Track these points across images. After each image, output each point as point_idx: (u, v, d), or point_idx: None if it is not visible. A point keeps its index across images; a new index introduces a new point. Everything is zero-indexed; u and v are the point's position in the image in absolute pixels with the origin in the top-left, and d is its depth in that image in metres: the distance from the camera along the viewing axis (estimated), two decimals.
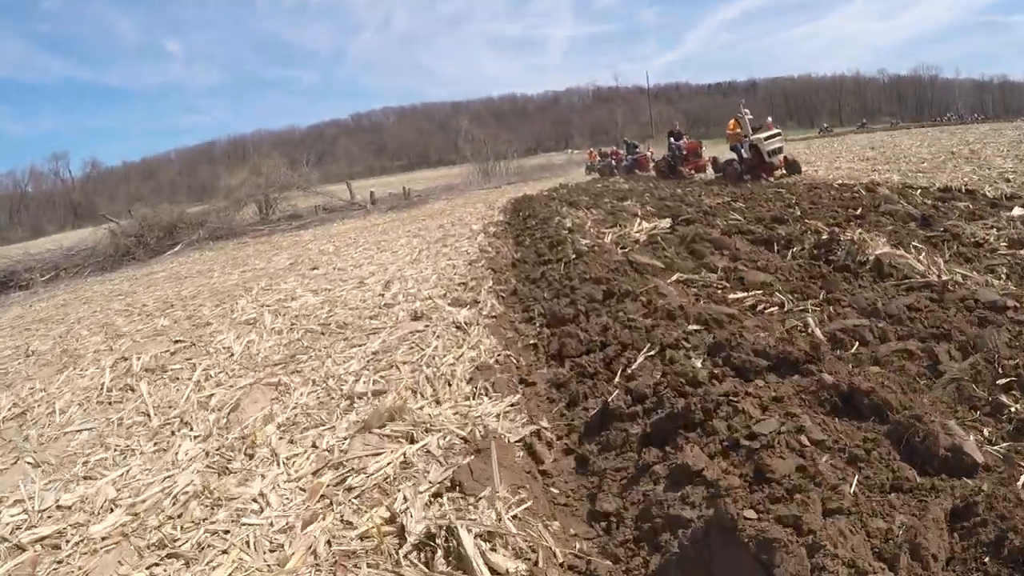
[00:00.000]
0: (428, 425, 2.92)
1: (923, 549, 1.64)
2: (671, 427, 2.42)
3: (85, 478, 3.19)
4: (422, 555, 2.01)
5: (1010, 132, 19.55)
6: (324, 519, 2.30)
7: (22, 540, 2.57)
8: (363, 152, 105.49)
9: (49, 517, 2.82)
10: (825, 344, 2.97)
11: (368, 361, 4.16)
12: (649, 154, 23.00)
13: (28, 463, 3.47)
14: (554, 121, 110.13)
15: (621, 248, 6.50)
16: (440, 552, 1.97)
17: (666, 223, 7.61)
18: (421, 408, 3.14)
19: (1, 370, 5.82)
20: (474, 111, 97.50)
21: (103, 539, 2.54)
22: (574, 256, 6.25)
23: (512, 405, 3.10)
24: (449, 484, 2.33)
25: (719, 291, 4.45)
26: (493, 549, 1.97)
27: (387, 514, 2.22)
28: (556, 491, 2.50)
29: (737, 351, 2.90)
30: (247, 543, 2.25)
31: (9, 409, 4.44)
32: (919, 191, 8.25)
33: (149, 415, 3.91)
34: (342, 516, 2.31)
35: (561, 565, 1.99)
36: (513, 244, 9.07)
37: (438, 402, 3.23)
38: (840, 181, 10.72)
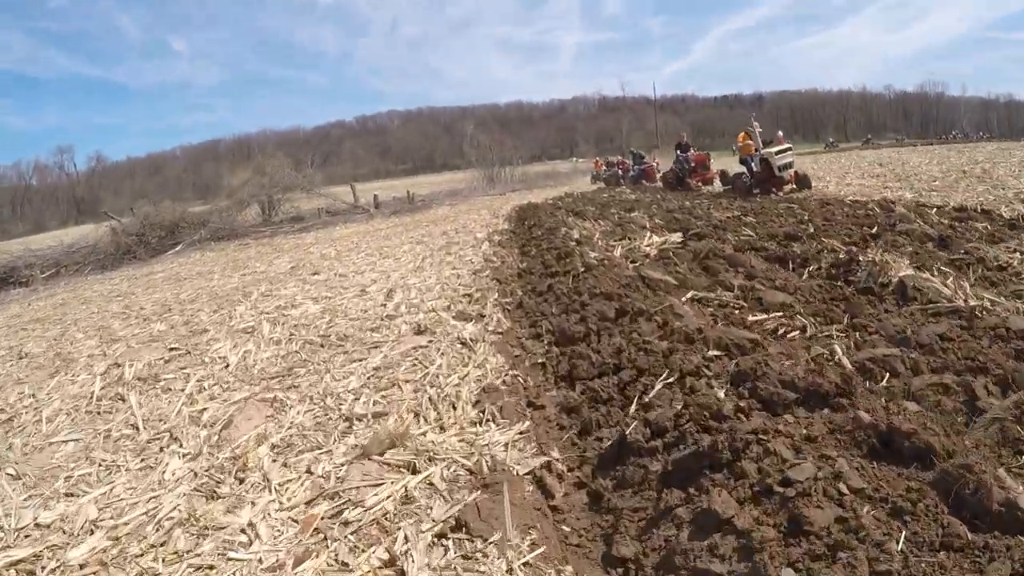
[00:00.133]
0: (432, 453, 2.74)
1: None
2: (695, 467, 2.24)
3: (67, 495, 3.03)
4: None
5: (1020, 152, 19.38)
6: (317, 557, 2.12)
7: None
8: (368, 155, 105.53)
9: (27, 536, 2.66)
10: (856, 376, 2.79)
11: (369, 378, 3.98)
12: (655, 164, 22.90)
13: (9, 474, 3.31)
14: (559, 129, 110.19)
15: (631, 262, 6.33)
16: None
17: (677, 237, 7.44)
18: (424, 434, 2.96)
19: None
20: (480, 117, 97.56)
21: (80, 567, 2.38)
22: (583, 269, 6.07)
23: (521, 433, 2.92)
24: (454, 523, 2.15)
25: (736, 312, 4.27)
26: None
27: (386, 555, 2.04)
28: (567, 529, 2.32)
29: (763, 382, 2.72)
30: None
31: None
32: (934, 210, 8.09)
33: (138, 428, 3.74)
34: (337, 555, 2.13)
35: None
36: (518, 254, 8.91)
37: (442, 428, 3.05)
38: (852, 198, 10.57)
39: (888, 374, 2.95)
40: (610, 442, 2.76)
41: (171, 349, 5.45)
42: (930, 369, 2.97)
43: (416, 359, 4.21)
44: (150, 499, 2.81)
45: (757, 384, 2.72)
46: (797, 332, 3.70)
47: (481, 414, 3.17)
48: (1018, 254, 5.17)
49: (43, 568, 2.39)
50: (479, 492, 2.31)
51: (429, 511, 2.30)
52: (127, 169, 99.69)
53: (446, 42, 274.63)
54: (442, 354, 4.22)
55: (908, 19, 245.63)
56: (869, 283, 4.48)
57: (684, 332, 3.64)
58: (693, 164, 17.56)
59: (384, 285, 7.18)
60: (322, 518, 2.35)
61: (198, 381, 4.40)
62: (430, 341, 4.56)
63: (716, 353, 3.31)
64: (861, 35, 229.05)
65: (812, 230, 7.05)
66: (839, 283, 4.68)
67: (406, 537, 2.12)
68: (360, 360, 4.37)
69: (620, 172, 25.25)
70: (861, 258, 5.03)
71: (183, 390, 4.24)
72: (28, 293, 12.49)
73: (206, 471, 3.00)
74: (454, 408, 3.27)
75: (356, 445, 2.96)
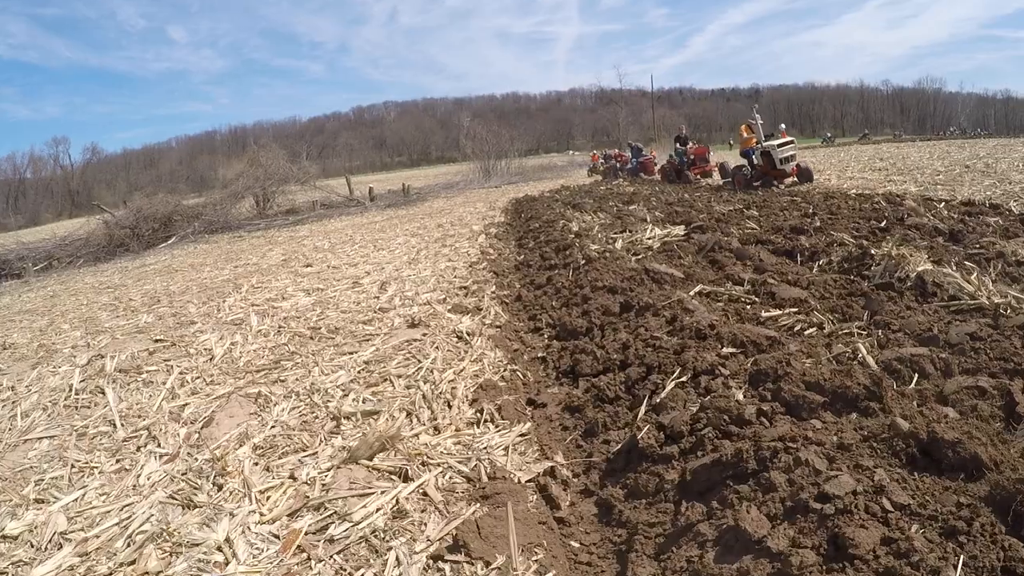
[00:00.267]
0: (425, 457, 2.52)
1: None
2: (717, 477, 2.03)
3: (37, 501, 2.82)
4: None
5: (1021, 148, 19.20)
6: None
7: None
8: (363, 147, 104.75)
9: None
10: (886, 378, 2.58)
11: (359, 372, 3.76)
12: (652, 157, 22.67)
13: None
14: (556, 120, 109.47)
15: (634, 255, 6.10)
16: None
17: (680, 230, 7.22)
18: (417, 435, 2.74)
19: None
20: (476, 108, 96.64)
21: None
22: (584, 262, 5.85)
23: (522, 435, 2.70)
24: (452, 543, 1.92)
25: (748, 307, 4.05)
26: None
27: None
28: (576, 544, 2.10)
29: (786, 383, 2.51)
30: None
31: None
32: (942, 204, 7.90)
33: (115, 424, 3.53)
34: None
35: None
36: (516, 247, 8.68)
37: (437, 429, 2.82)
38: (855, 191, 10.37)
39: (917, 375, 2.74)
40: (619, 446, 2.55)
41: (156, 341, 5.22)
42: (962, 371, 2.76)
43: (409, 352, 3.99)
44: (123, 507, 2.61)
45: (780, 386, 2.50)
46: (814, 329, 3.49)
47: (478, 414, 2.96)
48: None
49: None
50: (478, 505, 2.09)
51: (423, 527, 2.08)
52: (123, 161, 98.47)
53: (445, 33, 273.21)
54: (436, 348, 4.00)
55: (905, 16, 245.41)
56: (886, 278, 4.28)
57: (695, 328, 3.42)
58: (692, 157, 17.35)
59: (378, 277, 6.95)
60: (305, 534, 2.12)
61: (181, 374, 4.18)
62: (424, 334, 4.34)
63: (731, 351, 3.10)
64: (859, 31, 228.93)
65: (818, 223, 6.84)
66: (853, 278, 4.48)
67: (397, 559, 1.90)
68: (350, 353, 4.14)
69: (617, 165, 25.00)
70: (874, 252, 4.82)
71: (164, 383, 4.02)
72: (20, 285, 12.24)
73: (183, 475, 2.78)
74: (449, 407, 3.05)
75: (344, 447, 2.74)
